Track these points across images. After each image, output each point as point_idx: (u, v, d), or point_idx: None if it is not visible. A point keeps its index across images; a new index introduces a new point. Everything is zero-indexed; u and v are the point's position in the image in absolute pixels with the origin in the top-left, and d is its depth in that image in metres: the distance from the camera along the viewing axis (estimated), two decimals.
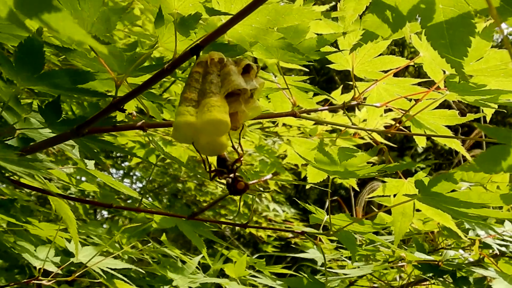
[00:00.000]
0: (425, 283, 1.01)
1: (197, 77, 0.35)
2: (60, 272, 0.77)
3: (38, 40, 0.40)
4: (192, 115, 0.33)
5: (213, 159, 0.44)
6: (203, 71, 0.35)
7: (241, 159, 0.39)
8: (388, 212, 0.95)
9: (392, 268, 1.03)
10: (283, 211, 2.07)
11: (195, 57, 0.38)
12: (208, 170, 0.39)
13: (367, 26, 0.37)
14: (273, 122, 1.45)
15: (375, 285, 1.07)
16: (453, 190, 0.53)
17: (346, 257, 1.03)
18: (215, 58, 0.35)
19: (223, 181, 0.41)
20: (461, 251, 0.94)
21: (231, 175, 0.40)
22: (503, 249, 0.89)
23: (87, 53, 0.46)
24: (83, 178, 0.93)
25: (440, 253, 1.00)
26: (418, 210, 0.88)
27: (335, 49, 0.56)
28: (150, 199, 2.19)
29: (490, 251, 0.92)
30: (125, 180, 2.37)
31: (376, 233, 0.98)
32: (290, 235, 1.98)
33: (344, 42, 0.55)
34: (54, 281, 0.74)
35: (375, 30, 0.36)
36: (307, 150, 0.66)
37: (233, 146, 0.39)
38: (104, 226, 1.26)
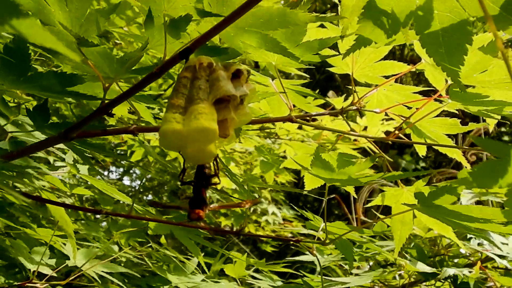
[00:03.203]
0: (425, 282, 0.99)
1: (185, 82, 0.34)
2: (55, 275, 0.76)
3: (23, 41, 0.38)
4: (178, 122, 0.32)
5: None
6: (191, 76, 0.34)
7: (217, 182, 0.40)
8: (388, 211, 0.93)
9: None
10: (280, 210, 2.06)
11: (184, 60, 0.36)
12: (181, 178, 0.40)
13: (360, 31, 0.35)
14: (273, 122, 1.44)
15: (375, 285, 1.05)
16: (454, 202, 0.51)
17: None
18: (204, 62, 0.34)
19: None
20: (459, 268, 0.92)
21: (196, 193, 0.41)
22: (505, 262, 0.87)
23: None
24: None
25: (442, 256, 0.99)
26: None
27: (335, 52, 0.55)
28: (150, 196, 2.18)
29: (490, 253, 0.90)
30: (125, 177, 2.37)
31: (374, 236, 0.97)
32: (290, 235, 1.98)
33: (345, 45, 0.53)
34: (48, 284, 0.73)
35: (368, 35, 0.35)
36: (304, 155, 0.64)
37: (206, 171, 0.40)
38: (104, 224, 1.26)
